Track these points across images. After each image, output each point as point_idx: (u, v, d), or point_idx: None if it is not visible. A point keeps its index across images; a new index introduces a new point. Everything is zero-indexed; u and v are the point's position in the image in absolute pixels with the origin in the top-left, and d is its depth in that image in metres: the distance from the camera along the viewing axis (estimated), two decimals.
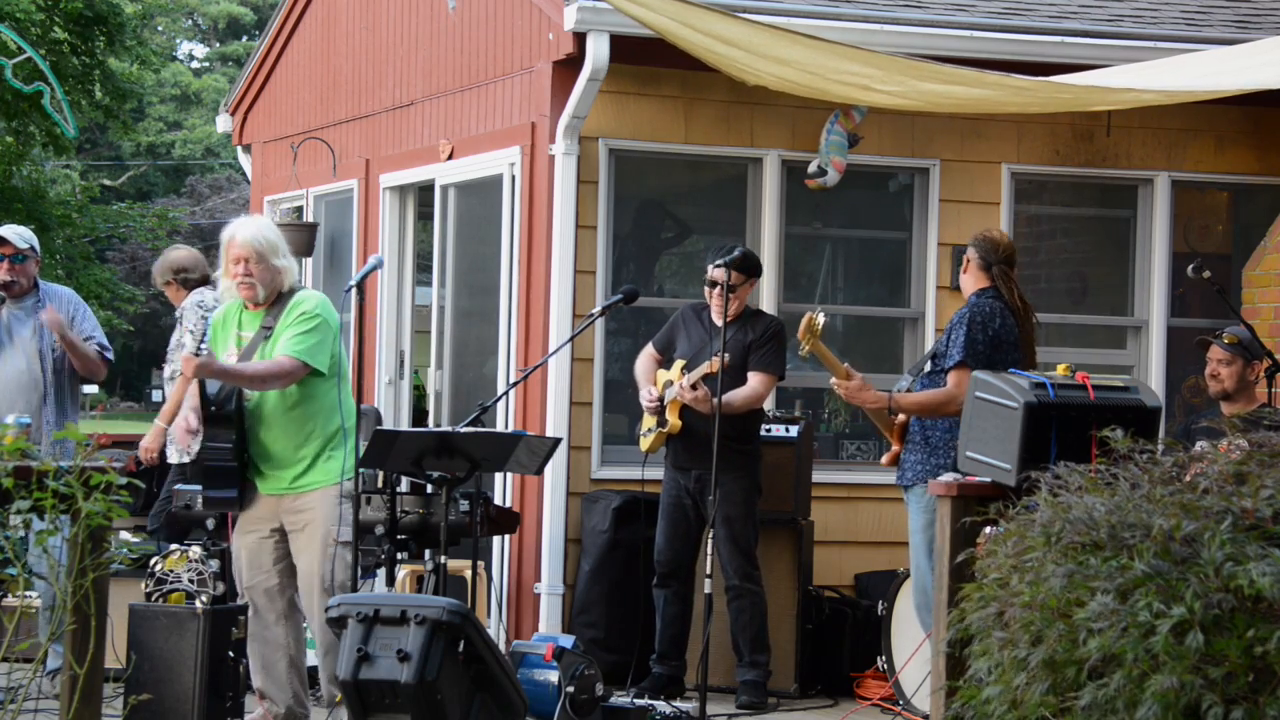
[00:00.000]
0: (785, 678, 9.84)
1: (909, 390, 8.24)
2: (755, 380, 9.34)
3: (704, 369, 9.18)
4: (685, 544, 9.51)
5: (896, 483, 8.37)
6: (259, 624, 8.04)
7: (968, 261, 8.42)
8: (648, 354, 9.75)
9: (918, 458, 8.18)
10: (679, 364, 9.52)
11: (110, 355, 9.36)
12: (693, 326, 9.62)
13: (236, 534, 8.10)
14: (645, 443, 9.61)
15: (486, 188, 11.15)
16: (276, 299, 7.96)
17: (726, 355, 9.09)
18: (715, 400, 9.04)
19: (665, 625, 9.60)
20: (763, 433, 9.84)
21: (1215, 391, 8.81)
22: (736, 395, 9.26)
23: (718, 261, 9.33)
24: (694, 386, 9.19)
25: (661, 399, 9.48)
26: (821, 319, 7.98)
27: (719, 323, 9.32)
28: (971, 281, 8.39)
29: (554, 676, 8.21)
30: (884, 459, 8.36)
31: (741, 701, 9.47)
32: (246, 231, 8.01)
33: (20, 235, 9.36)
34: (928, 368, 8.33)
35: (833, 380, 8.23)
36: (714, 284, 9.38)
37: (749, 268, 9.46)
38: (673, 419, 9.43)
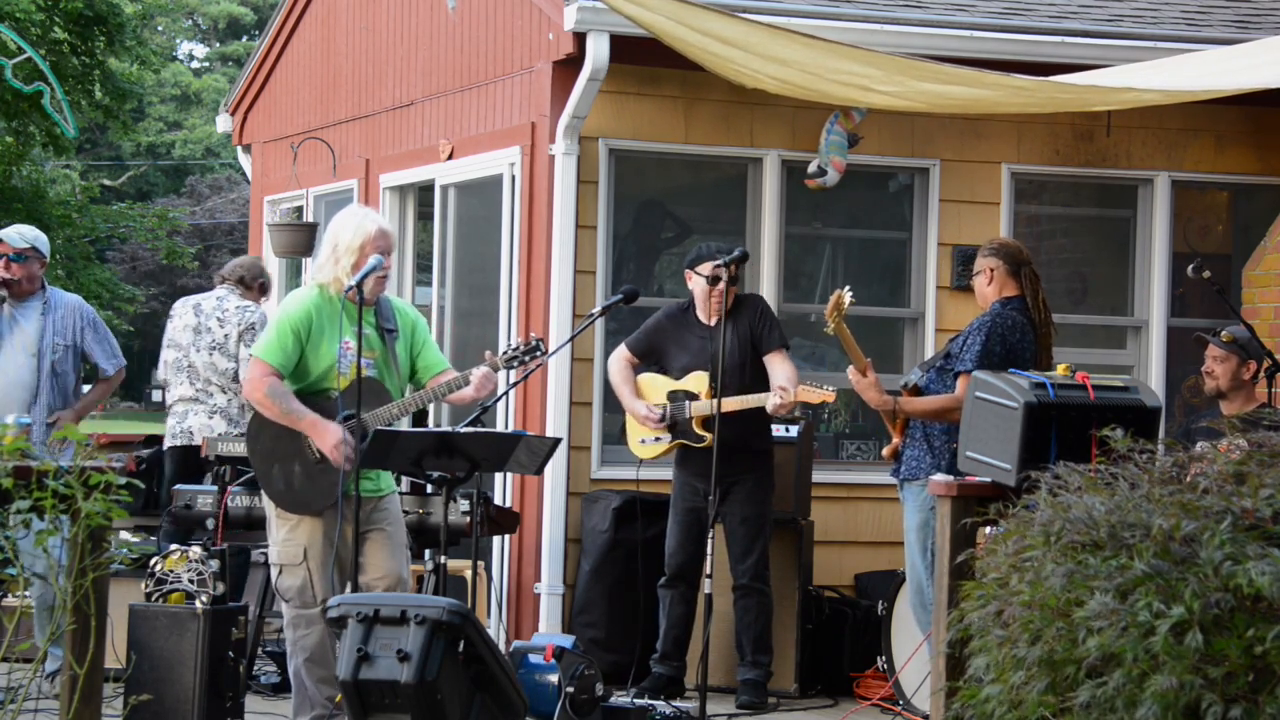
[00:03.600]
0: (785, 678, 9.84)
1: (918, 383, 8.23)
2: (782, 360, 9.30)
3: (817, 394, 9.05)
4: (699, 548, 9.46)
5: (892, 476, 8.37)
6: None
7: (991, 271, 8.28)
8: (624, 358, 9.64)
9: (916, 454, 8.19)
10: (700, 376, 9.39)
11: (119, 362, 9.53)
12: (684, 333, 9.54)
13: (325, 536, 7.78)
14: (649, 451, 9.55)
15: (486, 188, 11.15)
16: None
17: (832, 389, 9.07)
18: (781, 402, 9.05)
19: (670, 626, 9.59)
20: None
21: (1209, 389, 8.82)
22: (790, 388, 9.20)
23: (719, 261, 9.26)
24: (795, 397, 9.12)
25: (668, 417, 9.41)
26: (849, 298, 7.97)
27: (710, 322, 9.34)
28: (996, 289, 8.28)
29: (554, 676, 8.21)
30: (885, 451, 8.37)
31: (741, 701, 9.47)
32: (387, 222, 7.91)
33: (21, 235, 9.37)
34: (939, 364, 8.30)
35: (849, 369, 8.22)
36: (717, 280, 9.26)
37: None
38: (705, 432, 9.36)
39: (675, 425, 9.42)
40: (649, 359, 9.64)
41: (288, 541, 7.80)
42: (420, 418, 12.01)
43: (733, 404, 9.13)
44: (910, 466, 8.16)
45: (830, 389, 9.03)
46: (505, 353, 7.84)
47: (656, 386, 9.56)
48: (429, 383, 7.91)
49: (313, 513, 7.75)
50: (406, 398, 7.80)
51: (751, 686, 9.48)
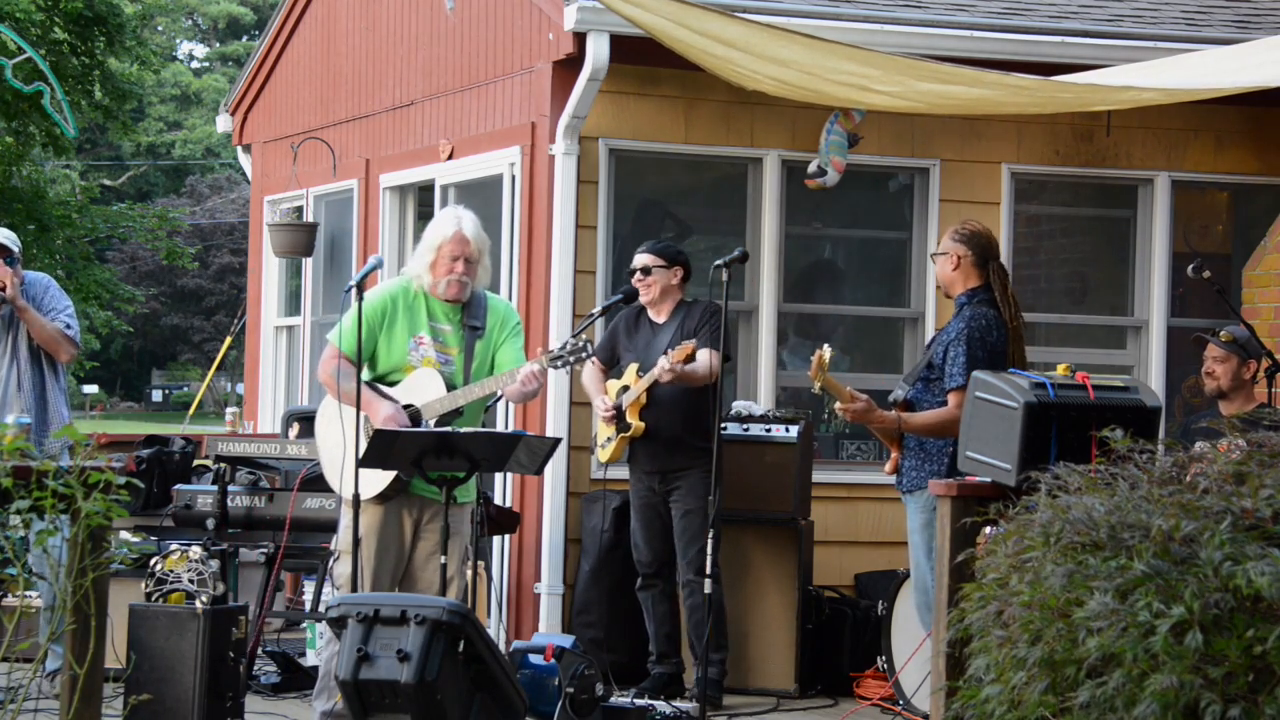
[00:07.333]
0: (785, 678, 9.84)
1: (907, 398, 8.20)
2: (704, 355, 9.31)
3: (682, 350, 9.16)
4: (663, 543, 9.56)
5: (897, 488, 8.36)
6: None
7: (958, 259, 8.20)
8: (592, 364, 9.71)
9: (914, 463, 8.17)
10: (632, 368, 9.52)
11: (73, 335, 9.33)
12: (634, 333, 9.66)
13: (379, 531, 7.79)
14: (605, 453, 9.61)
15: (486, 188, 11.15)
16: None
17: (691, 343, 9.19)
18: (666, 365, 9.12)
19: (658, 625, 9.62)
20: (762, 433, 9.89)
21: (1210, 389, 8.81)
22: (693, 367, 9.23)
23: (641, 249, 9.61)
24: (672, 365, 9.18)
25: (618, 407, 9.48)
26: (829, 354, 7.96)
27: (655, 316, 9.53)
28: (962, 279, 8.21)
29: (554, 677, 8.21)
30: (886, 467, 8.33)
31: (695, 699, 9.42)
32: (471, 228, 7.88)
33: (13, 239, 9.39)
34: (923, 374, 8.26)
35: (838, 405, 8.19)
36: (631, 271, 9.57)
37: (669, 255, 9.59)
38: (635, 422, 9.44)
39: (619, 420, 9.49)
40: (610, 363, 9.75)
41: (347, 529, 7.80)
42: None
43: (642, 383, 9.35)
44: (911, 478, 8.15)
45: (660, 363, 9.17)
46: (551, 353, 7.81)
47: (613, 388, 9.63)
48: None
49: (374, 500, 7.75)
50: (457, 390, 7.79)
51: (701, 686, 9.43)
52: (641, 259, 9.59)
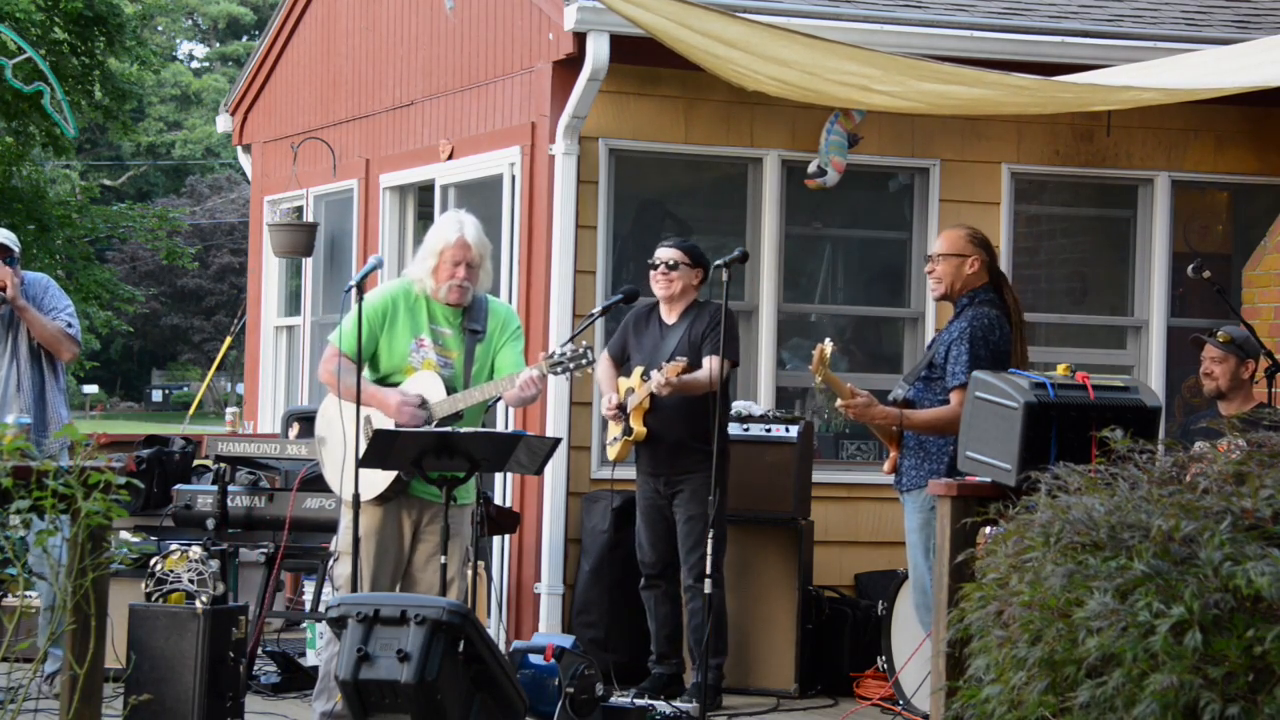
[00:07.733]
0: (785, 678, 9.85)
1: (905, 398, 8.20)
2: (707, 363, 9.33)
3: (674, 367, 9.15)
4: (667, 545, 9.55)
5: (895, 487, 8.37)
6: None
7: (979, 262, 8.20)
8: (605, 361, 9.72)
9: (913, 463, 8.17)
10: (638, 371, 9.52)
11: (74, 333, 9.32)
12: (643, 331, 9.64)
13: (379, 532, 7.80)
14: (612, 451, 9.63)
15: (486, 188, 11.15)
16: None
17: (683, 359, 9.15)
18: (661, 380, 9.10)
19: (659, 625, 9.62)
20: (762, 433, 9.88)
21: (1209, 390, 8.80)
22: (692, 377, 9.25)
23: (667, 243, 9.56)
24: (667, 382, 9.17)
25: (623, 406, 9.48)
26: (830, 348, 7.97)
27: (666, 316, 9.50)
28: (974, 279, 8.22)
29: (554, 677, 8.21)
30: (885, 467, 8.33)
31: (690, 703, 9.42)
32: (473, 233, 7.88)
33: (12, 239, 9.38)
34: (924, 374, 8.25)
35: (839, 402, 8.18)
36: (654, 265, 9.52)
37: (694, 255, 9.56)
38: (638, 426, 9.45)
39: (625, 420, 9.51)
40: (622, 359, 9.72)
41: (346, 530, 7.81)
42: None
43: (642, 391, 9.33)
44: (911, 477, 8.14)
45: (654, 377, 9.15)
46: (551, 358, 7.80)
47: (623, 386, 9.64)
48: None
49: (374, 501, 7.75)
50: (457, 394, 7.80)
51: (699, 690, 9.43)
52: (668, 253, 9.52)
